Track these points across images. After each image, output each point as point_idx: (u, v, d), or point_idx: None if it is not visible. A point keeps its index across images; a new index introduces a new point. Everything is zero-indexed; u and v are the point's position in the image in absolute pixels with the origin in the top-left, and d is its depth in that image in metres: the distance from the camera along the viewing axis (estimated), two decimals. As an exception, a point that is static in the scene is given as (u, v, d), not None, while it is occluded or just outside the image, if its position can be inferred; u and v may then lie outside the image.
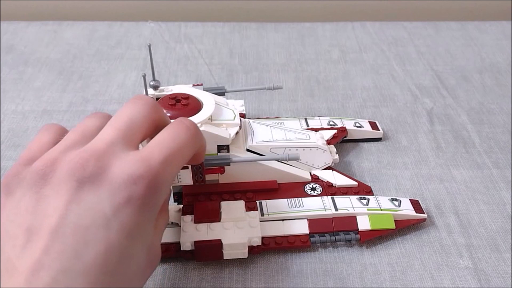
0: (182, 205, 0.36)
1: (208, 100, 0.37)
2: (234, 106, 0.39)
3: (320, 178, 0.39)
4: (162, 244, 0.29)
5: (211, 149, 0.35)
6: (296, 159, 0.34)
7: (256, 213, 0.35)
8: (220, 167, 0.35)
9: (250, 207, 0.36)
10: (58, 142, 0.27)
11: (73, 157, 0.24)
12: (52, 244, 0.22)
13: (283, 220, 0.35)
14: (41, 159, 0.25)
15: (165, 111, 0.35)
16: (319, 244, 0.35)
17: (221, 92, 0.41)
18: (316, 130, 0.43)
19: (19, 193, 0.24)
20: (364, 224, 0.35)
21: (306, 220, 0.35)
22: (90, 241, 0.22)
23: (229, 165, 0.34)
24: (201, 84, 0.41)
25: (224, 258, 0.33)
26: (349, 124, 0.45)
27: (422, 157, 0.44)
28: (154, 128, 0.28)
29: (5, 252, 0.22)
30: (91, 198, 0.23)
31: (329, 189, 0.38)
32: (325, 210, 0.36)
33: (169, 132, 0.27)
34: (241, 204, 0.35)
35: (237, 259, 0.34)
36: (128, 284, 0.24)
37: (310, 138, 0.39)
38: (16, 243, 0.22)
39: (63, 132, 0.28)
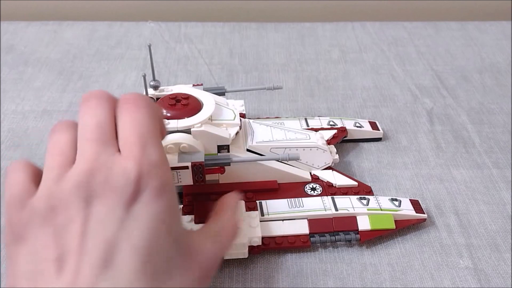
0: (182, 205, 0.36)
1: (208, 100, 0.37)
2: (234, 106, 0.39)
3: (320, 178, 0.39)
4: None
5: (211, 149, 0.35)
6: (296, 159, 0.34)
7: (256, 213, 0.35)
8: (220, 167, 0.35)
9: (250, 207, 0.36)
10: (34, 178, 0.27)
11: (71, 183, 0.25)
12: (81, 263, 0.23)
13: (283, 220, 0.35)
14: (39, 198, 0.25)
15: (165, 111, 0.35)
16: (319, 244, 0.35)
17: (221, 92, 0.40)
18: (316, 130, 0.43)
19: (31, 235, 0.25)
20: (364, 224, 0.35)
21: (306, 220, 0.35)
22: (113, 247, 0.23)
23: (229, 165, 0.34)
24: (201, 84, 0.41)
25: (224, 258, 0.33)
26: (349, 124, 0.45)
27: (422, 157, 0.44)
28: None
29: None
30: (102, 210, 0.24)
31: (329, 189, 0.38)
32: (325, 210, 0.36)
33: (126, 120, 0.27)
34: (241, 204, 0.35)
35: (237, 259, 0.34)
36: (170, 280, 0.25)
37: (310, 138, 0.39)
38: (48, 277, 0.23)
39: (33, 166, 0.28)
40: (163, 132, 0.29)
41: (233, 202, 0.32)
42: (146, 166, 0.25)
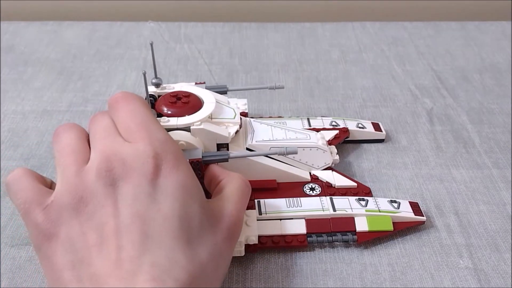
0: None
1: (209, 98, 0.37)
2: (236, 105, 0.39)
3: (319, 178, 0.39)
4: None
5: (211, 147, 0.35)
6: (294, 153, 0.34)
7: (254, 212, 0.35)
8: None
9: (248, 206, 0.35)
10: (39, 180, 0.28)
11: (92, 172, 0.26)
12: (121, 240, 0.24)
13: (280, 219, 0.35)
14: (63, 193, 0.26)
15: (165, 108, 0.35)
16: (316, 244, 0.35)
17: (223, 91, 0.41)
18: (318, 130, 0.43)
19: (63, 229, 0.25)
20: (362, 225, 0.35)
21: (303, 220, 0.35)
22: (148, 220, 0.25)
23: (227, 161, 0.34)
24: (204, 83, 0.41)
25: None
26: (351, 125, 0.44)
27: (422, 157, 0.44)
28: None
29: (93, 272, 0.24)
30: (129, 189, 0.25)
31: (328, 190, 0.38)
32: (323, 210, 0.36)
33: (123, 115, 0.29)
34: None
35: (237, 259, 0.34)
36: (202, 243, 0.26)
37: (310, 138, 0.39)
38: (92, 260, 0.24)
39: (32, 171, 0.29)
40: None
41: (220, 168, 0.33)
42: (157, 144, 0.27)
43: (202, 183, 0.33)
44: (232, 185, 0.31)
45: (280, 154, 0.34)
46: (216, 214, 0.28)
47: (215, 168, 0.33)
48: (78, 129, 0.30)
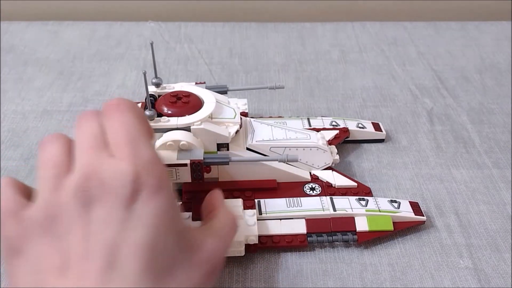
0: (180, 202, 0.36)
1: (209, 98, 0.37)
2: (237, 104, 0.39)
3: (319, 178, 0.39)
4: None
5: (211, 147, 0.35)
6: (295, 161, 0.34)
7: (254, 212, 0.35)
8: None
9: (248, 206, 0.36)
10: (22, 192, 0.27)
11: (68, 190, 0.25)
12: (84, 267, 0.23)
13: (281, 219, 0.35)
14: (37, 208, 0.25)
15: (166, 108, 0.35)
16: (316, 244, 0.35)
17: (223, 91, 0.41)
18: (318, 130, 0.43)
19: (30, 246, 0.24)
20: (362, 225, 0.35)
21: (304, 220, 0.35)
22: (117, 248, 0.23)
23: (228, 164, 0.34)
24: (204, 83, 0.41)
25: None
26: (351, 125, 0.44)
27: (422, 157, 0.44)
28: None
29: None
30: (101, 213, 0.24)
31: (328, 190, 0.38)
32: (323, 210, 0.36)
33: (113, 125, 0.27)
34: (239, 202, 0.35)
35: (237, 258, 0.34)
36: (175, 277, 0.25)
37: (310, 138, 0.39)
38: (51, 285, 0.23)
39: (18, 182, 0.28)
40: (151, 131, 0.29)
41: (222, 198, 0.32)
42: (141, 166, 0.25)
43: (202, 183, 0.33)
44: (223, 219, 0.30)
45: (281, 161, 0.34)
46: (196, 246, 0.27)
47: (215, 196, 0.32)
48: (63, 140, 0.28)
